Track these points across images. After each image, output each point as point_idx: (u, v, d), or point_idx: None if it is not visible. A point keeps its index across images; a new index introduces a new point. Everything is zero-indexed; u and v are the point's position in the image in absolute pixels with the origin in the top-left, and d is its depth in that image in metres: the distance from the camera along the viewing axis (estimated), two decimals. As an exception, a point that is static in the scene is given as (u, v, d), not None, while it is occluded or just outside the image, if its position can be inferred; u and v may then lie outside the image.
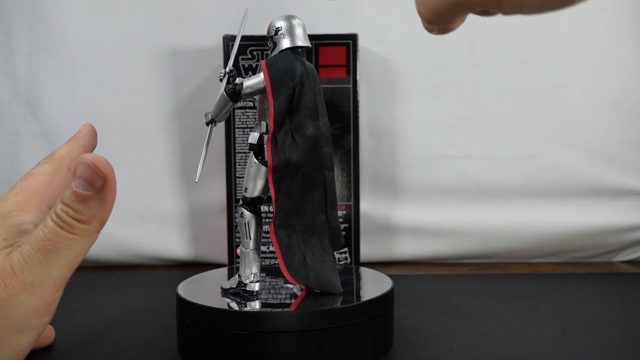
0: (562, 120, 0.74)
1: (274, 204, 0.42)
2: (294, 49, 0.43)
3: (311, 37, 0.66)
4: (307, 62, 0.44)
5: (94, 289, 0.63)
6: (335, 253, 0.68)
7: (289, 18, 0.44)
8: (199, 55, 0.73)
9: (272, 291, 0.44)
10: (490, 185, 0.74)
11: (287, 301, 0.42)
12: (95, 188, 0.32)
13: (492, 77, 0.74)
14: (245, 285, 0.44)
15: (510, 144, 0.74)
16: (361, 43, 0.68)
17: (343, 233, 0.68)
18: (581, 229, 0.74)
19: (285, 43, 0.43)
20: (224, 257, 0.71)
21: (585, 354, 0.42)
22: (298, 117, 0.42)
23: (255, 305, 0.41)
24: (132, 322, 0.51)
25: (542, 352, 0.42)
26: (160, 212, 0.74)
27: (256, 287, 0.44)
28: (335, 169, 0.67)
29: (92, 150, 0.41)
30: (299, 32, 0.43)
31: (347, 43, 0.67)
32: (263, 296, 0.43)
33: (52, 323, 0.47)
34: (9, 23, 0.72)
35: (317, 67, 0.66)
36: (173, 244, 0.75)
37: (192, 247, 0.75)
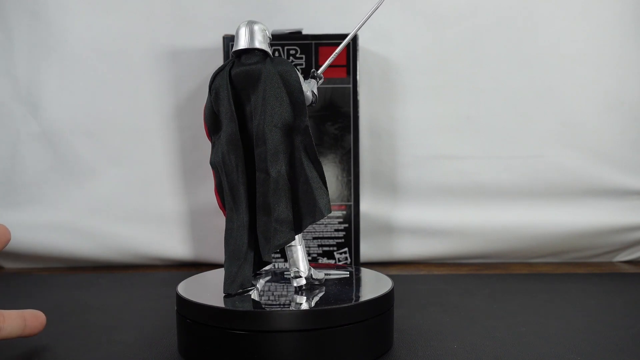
0: (562, 120, 0.74)
1: (216, 198, 0.46)
2: (237, 53, 0.44)
3: (311, 37, 0.67)
4: (253, 64, 0.43)
5: (94, 289, 0.63)
6: (335, 253, 0.68)
7: (239, 25, 0.44)
8: (199, 55, 0.73)
9: (271, 291, 0.44)
10: (490, 185, 0.74)
11: (287, 301, 0.42)
12: None
13: (492, 77, 0.74)
14: None
15: (510, 144, 0.74)
16: (361, 43, 0.68)
17: (343, 233, 0.68)
18: (581, 229, 0.74)
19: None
20: (223, 257, 0.70)
21: (585, 353, 0.42)
22: (222, 121, 0.44)
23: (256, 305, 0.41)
24: (132, 322, 0.51)
25: (542, 352, 0.42)
26: (160, 212, 0.74)
27: None
28: (335, 168, 0.67)
29: None
30: (239, 37, 0.44)
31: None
32: (263, 296, 0.43)
33: (52, 323, 0.47)
34: (9, 23, 0.72)
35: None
36: (173, 244, 0.75)
37: (192, 247, 0.75)
